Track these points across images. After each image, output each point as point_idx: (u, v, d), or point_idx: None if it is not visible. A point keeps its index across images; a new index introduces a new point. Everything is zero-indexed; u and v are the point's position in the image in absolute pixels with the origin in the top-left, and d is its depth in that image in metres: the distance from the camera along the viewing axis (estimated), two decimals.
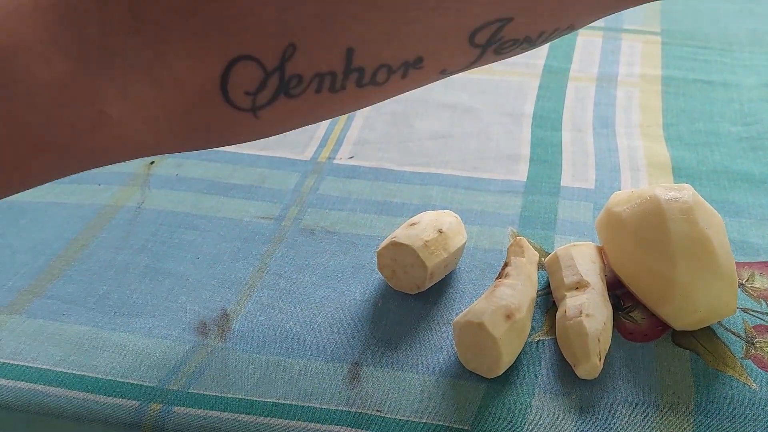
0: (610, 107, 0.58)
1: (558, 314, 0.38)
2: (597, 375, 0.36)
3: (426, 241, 0.40)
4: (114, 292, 0.42)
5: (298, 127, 0.30)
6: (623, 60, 0.64)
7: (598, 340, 0.36)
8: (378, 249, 0.41)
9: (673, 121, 0.56)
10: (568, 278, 0.39)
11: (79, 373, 0.37)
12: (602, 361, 0.36)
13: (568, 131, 0.55)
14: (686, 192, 0.39)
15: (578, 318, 0.36)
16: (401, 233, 0.40)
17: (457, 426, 0.34)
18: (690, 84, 0.61)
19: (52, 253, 0.45)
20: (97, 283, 0.43)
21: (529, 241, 0.42)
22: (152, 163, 0.52)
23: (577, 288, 0.39)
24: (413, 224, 0.41)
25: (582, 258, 0.40)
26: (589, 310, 0.37)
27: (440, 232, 0.40)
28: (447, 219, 0.42)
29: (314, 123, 0.31)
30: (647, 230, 0.38)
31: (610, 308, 0.38)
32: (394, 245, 0.40)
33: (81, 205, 0.48)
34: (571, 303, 0.38)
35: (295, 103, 0.27)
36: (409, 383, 0.36)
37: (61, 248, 0.45)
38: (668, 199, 0.39)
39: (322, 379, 0.37)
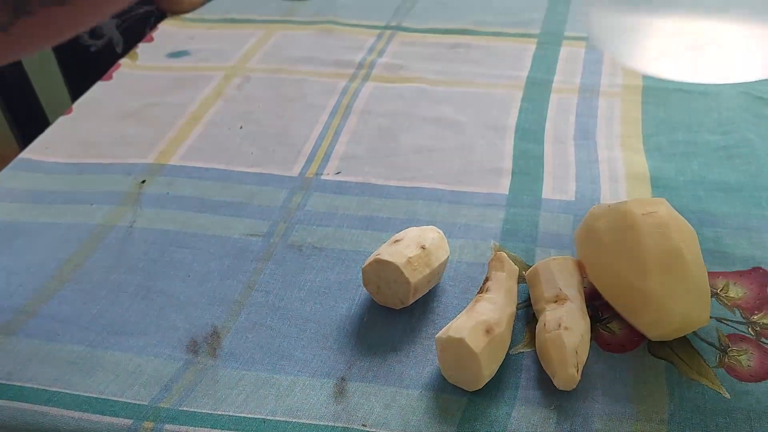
0: (592, 118, 0.59)
1: (537, 327, 0.39)
2: (575, 386, 0.37)
3: (409, 258, 0.41)
4: (107, 312, 0.43)
5: (54, 39, 0.33)
6: (605, 70, 0.65)
7: (576, 352, 0.37)
8: (363, 266, 0.42)
9: (652, 131, 0.57)
10: (548, 292, 0.40)
11: (73, 392, 0.38)
12: (580, 372, 0.37)
13: (550, 143, 0.56)
14: (661, 207, 0.40)
15: (557, 330, 0.38)
16: (385, 250, 0.42)
17: None
18: (670, 93, 0.62)
19: (47, 274, 0.46)
20: (90, 302, 0.44)
21: (509, 255, 0.44)
22: (143, 182, 0.53)
23: (556, 301, 0.40)
24: (397, 241, 0.42)
25: (561, 272, 0.41)
26: (568, 323, 0.38)
27: (423, 248, 0.42)
28: (430, 235, 0.43)
29: (68, 35, 0.33)
30: (623, 244, 0.40)
31: (588, 321, 0.40)
32: (378, 262, 0.41)
33: (74, 226, 0.50)
34: (550, 316, 0.39)
35: (35, 19, 0.31)
36: (394, 397, 0.38)
37: (55, 269, 0.46)
38: (643, 214, 0.40)
39: (310, 395, 0.38)
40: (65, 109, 0.63)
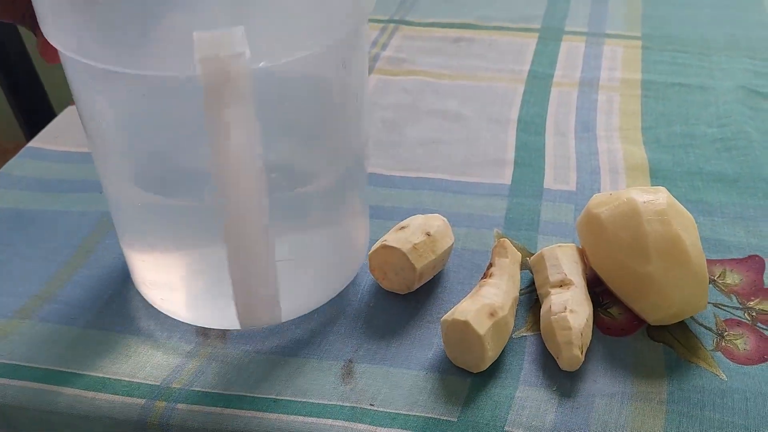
0: (592, 111, 0.60)
1: (543, 309, 0.41)
2: (578, 366, 0.38)
3: (415, 244, 0.42)
4: (119, 296, 0.44)
5: None
6: (605, 65, 0.67)
7: (581, 334, 0.38)
8: (369, 252, 0.43)
9: (651, 124, 0.58)
10: (553, 276, 0.42)
11: (88, 373, 0.39)
12: (583, 353, 0.38)
13: (551, 135, 0.57)
14: (661, 195, 0.42)
15: (563, 313, 0.39)
16: (391, 237, 0.43)
17: (445, 418, 0.36)
18: (668, 88, 0.63)
19: (61, 260, 0.47)
20: (102, 287, 0.45)
21: (512, 242, 0.45)
22: None
23: (561, 286, 0.41)
24: (403, 228, 0.43)
25: (566, 258, 0.43)
26: (573, 306, 0.39)
27: (428, 235, 0.43)
28: (435, 222, 0.44)
29: None
30: (624, 231, 0.41)
31: (591, 306, 0.41)
32: (385, 248, 0.42)
33: (86, 213, 0.51)
34: (556, 299, 0.40)
35: None
36: (400, 378, 0.39)
37: (68, 255, 0.47)
38: (644, 202, 0.41)
39: (318, 377, 0.39)
40: (71, 101, 0.64)
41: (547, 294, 0.41)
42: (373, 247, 0.43)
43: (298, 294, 0.41)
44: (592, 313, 0.40)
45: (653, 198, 0.41)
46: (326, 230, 0.42)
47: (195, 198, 0.38)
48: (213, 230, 0.34)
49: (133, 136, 0.39)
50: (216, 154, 0.31)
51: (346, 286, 0.44)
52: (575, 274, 0.42)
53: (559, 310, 0.39)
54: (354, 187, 0.42)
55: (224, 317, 0.40)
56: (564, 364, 0.38)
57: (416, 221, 0.44)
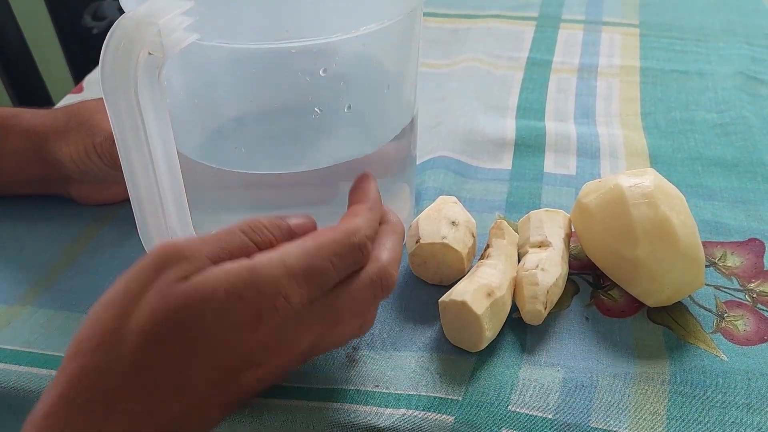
0: (591, 97, 0.60)
1: (518, 266, 0.41)
2: (540, 322, 0.39)
3: (469, 248, 0.42)
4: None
5: None
6: (603, 52, 0.67)
7: (547, 292, 0.39)
8: (423, 242, 0.42)
9: (650, 110, 0.58)
10: (534, 237, 0.42)
11: None
12: (547, 310, 0.39)
13: (551, 121, 0.57)
14: (648, 177, 0.41)
15: (534, 270, 0.40)
16: (450, 234, 0.42)
17: (450, 397, 0.36)
18: (667, 74, 0.63)
19: (60, 245, 0.47)
20: (102, 273, 0.45)
21: (512, 224, 0.45)
22: None
23: (539, 246, 0.42)
24: (455, 224, 0.42)
25: (550, 222, 0.43)
26: (546, 266, 0.40)
27: (473, 236, 0.43)
28: (471, 221, 0.44)
29: None
30: (612, 217, 0.40)
31: (567, 269, 0.41)
32: (445, 246, 0.41)
33: None
34: (531, 257, 0.41)
35: None
36: (404, 360, 0.39)
37: (67, 241, 0.47)
38: (630, 186, 0.40)
39: (323, 364, 0.39)
40: (68, 89, 0.63)
41: (526, 253, 0.42)
42: (426, 239, 0.42)
43: None
44: (566, 275, 0.41)
45: (639, 181, 0.41)
46: None
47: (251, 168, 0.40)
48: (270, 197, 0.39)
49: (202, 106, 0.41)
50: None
51: None
52: (556, 237, 0.42)
53: (531, 266, 0.40)
54: (402, 169, 0.43)
55: None
56: (526, 317, 0.39)
57: (461, 216, 0.43)
